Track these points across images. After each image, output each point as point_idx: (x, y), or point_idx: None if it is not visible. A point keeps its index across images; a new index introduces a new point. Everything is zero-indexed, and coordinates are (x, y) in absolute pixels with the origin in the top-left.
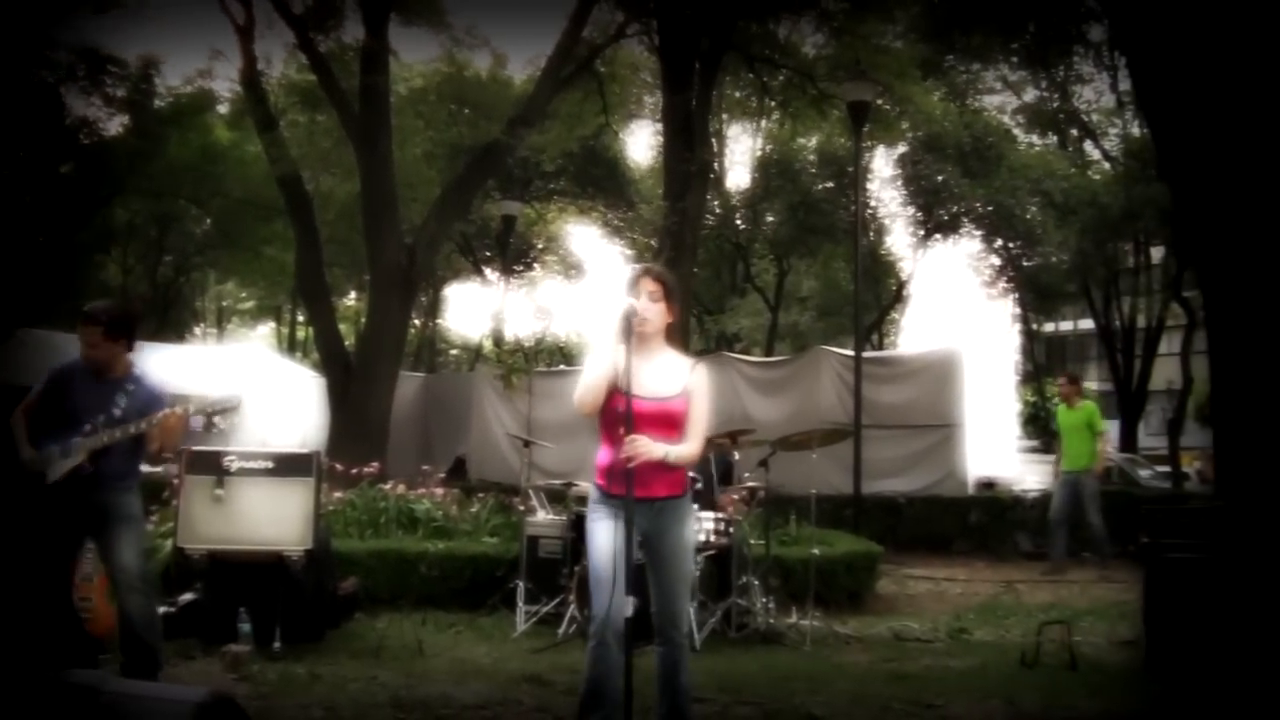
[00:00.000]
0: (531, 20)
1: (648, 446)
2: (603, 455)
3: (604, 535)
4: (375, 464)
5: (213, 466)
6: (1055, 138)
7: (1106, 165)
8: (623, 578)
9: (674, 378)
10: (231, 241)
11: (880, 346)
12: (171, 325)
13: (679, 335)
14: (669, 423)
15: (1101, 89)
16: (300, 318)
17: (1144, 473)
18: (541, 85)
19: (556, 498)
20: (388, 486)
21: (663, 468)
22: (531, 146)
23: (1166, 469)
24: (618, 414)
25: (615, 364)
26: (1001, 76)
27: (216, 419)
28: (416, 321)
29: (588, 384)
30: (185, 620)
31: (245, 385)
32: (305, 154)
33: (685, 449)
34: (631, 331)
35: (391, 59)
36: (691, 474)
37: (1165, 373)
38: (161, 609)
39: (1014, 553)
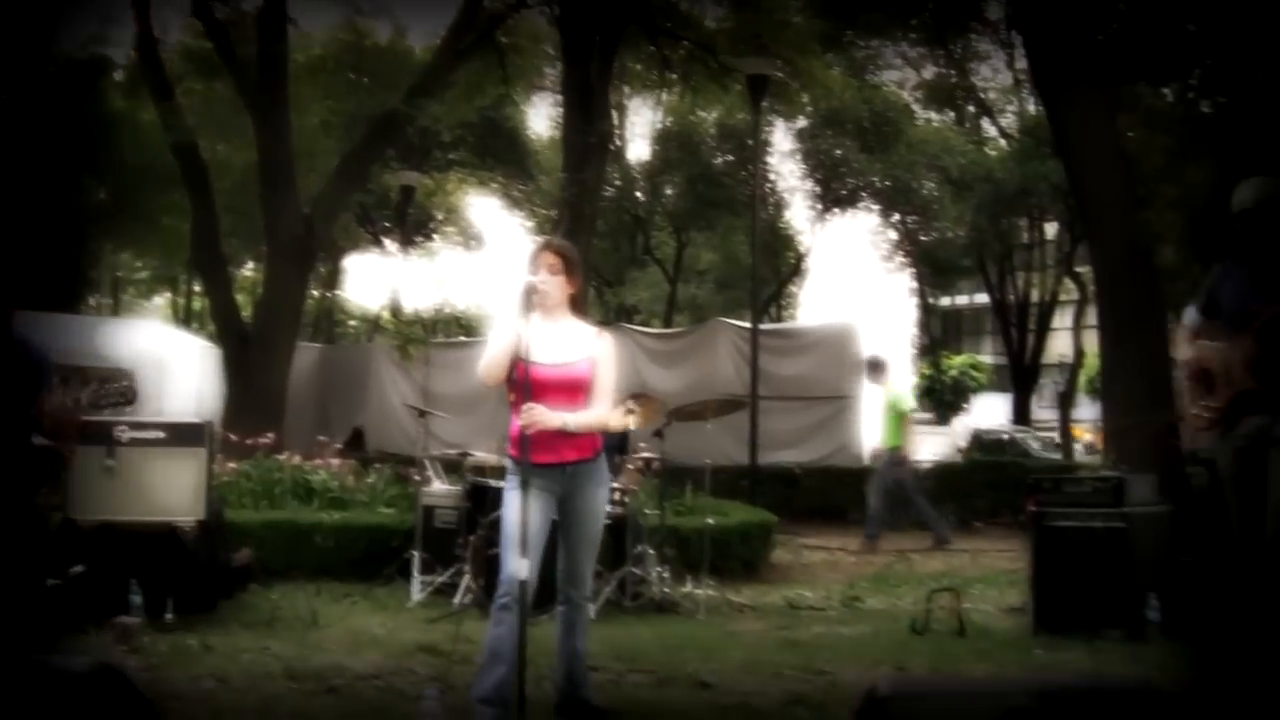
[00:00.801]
0: None
1: (544, 415)
2: (514, 424)
3: (512, 501)
4: (270, 435)
5: (103, 437)
6: (953, 114)
7: (1003, 142)
8: (524, 541)
9: (578, 345)
10: (127, 211)
11: (779, 319)
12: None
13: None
14: (573, 389)
15: (999, 67)
16: (197, 288)
17: (1036, 444)
18: (441, 55)
19: (452, 468)
20: (283, 457)
21: (568, 432)
22: (431, 116)
23: (1058, 441)
24: (523, 384)
25: (518, 334)
26: (901, 53)
27: (108, 411)
28: (315, 292)
29: (490, 355)
30: (74, 593)
31: (138, 357)
32: (202, 122)
33: (585, 415)
34: (532, 305)
35: (290, 27)
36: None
37: (1058, 347)
38: (50, 582)
39: (907, 522)
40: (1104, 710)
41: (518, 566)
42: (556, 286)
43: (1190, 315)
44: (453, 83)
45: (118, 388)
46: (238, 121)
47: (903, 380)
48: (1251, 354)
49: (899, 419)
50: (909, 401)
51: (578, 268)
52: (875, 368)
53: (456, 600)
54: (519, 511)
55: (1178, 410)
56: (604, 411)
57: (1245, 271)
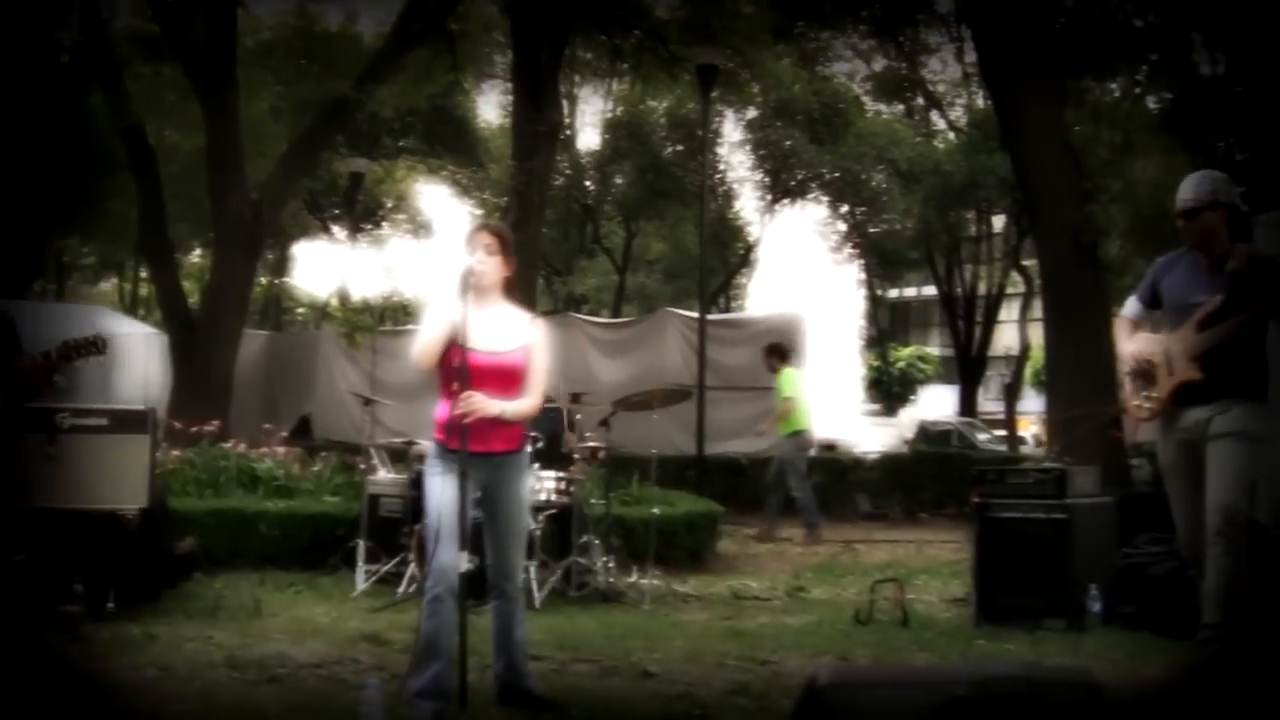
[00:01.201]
0: None
1: (482, 403)
2: (441, 410)
3: (440, 490)
4: (216, 422)
5: (45, 423)
6: (902, 107)
7: (951, 135)
8: (458, 532)
9: (513, 333)
10: (73, 195)
11: (728, 309)
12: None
13: (525, 295)
14: (507, 378)
15: (948, 60)
16: (144, 274)
17: (982, 436)
18: (391, 42)
19: (398, 456)
20: (229, 445)
21: (500, 422)
22: (380, 103)
23: (1004, 433)
24: (455, 369)
25: (453, 319)
26: (851, 45)
27: (78, 362)
28: (263, 279)
29: (425, 339)
30: (15, 582)
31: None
32: (149, 107)
33: (522, 404)
34: (469, 288)
35: (239, 11)
36: (532, 433)
37: (1005, 339)
38: None
39: (854, 513)
40: (1042, 700)
41: (452, 558)
42: (493, 268)
43: (1131, 306)
44: (402, 69)
45: (88, 338)
46: (186, 106)
47: (798, 369)
48: (1193, 345)
49: (783, 405)
50: (788, 389)
51: (513, 250)
52: (774, 353)
53: (401, 589)
54: (448, 501)
55: (1121, 402)
56: (537, 401)
57: (1187, 264)
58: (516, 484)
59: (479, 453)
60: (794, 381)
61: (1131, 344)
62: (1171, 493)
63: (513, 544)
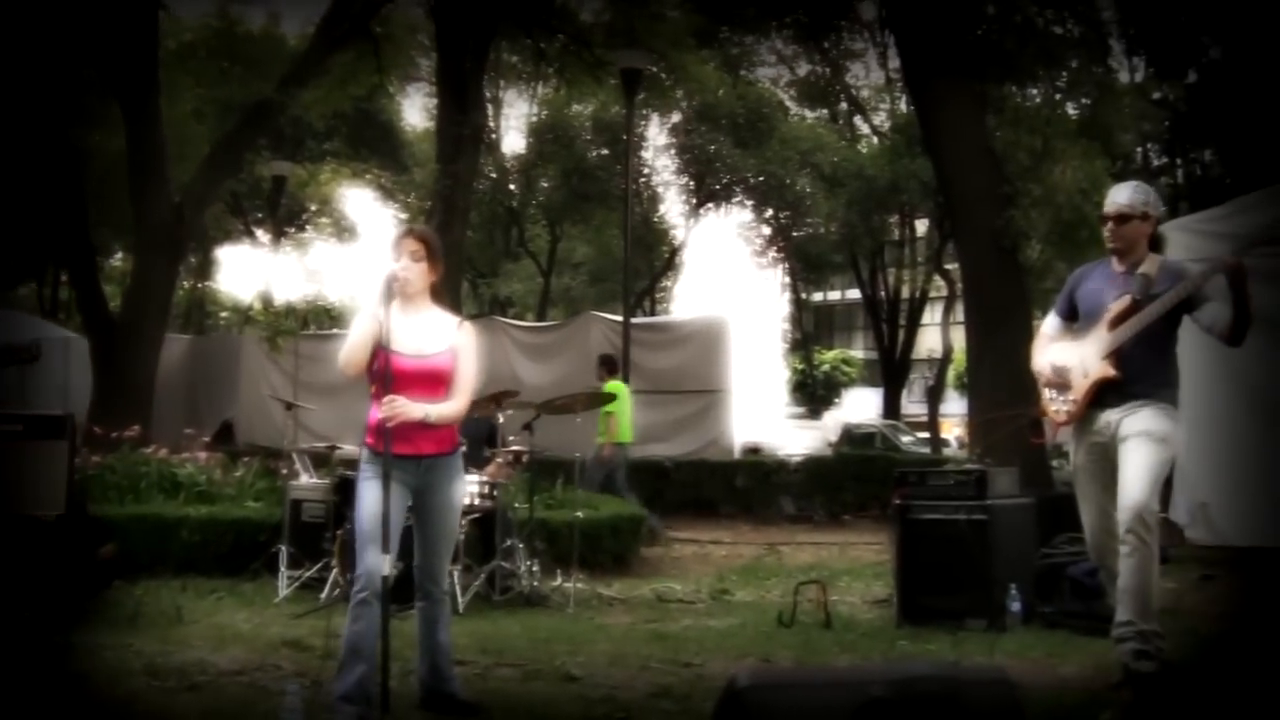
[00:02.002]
0: None
1: (405, 407)
2: (371, 414)
3: (370, 494)
4: (136, 427)
5: None
6: (826, 112)
7: (875, 140)
8: (385, 535)
9: (439, 336)
10: None
11: (652, 313)
12: None
13: (450, 298)
14: (434, 381)
15: (872, 65)
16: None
17: (906, 439)
18: (315, 44)
19: (321, 461)
20: (150, 450)
21: (429, 425)
22: (304, 106)
23: (927, 435)
24: (384, 374)
25: (378, 323)
26: (775, 50)
27: (11, 368)
28: (185, 283)
29: (350, 344)
30: None
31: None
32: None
33: (448, 407)
34: (393, 293)
35: (161, 12)
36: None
37: (928, 342)
38: None
39: (778, 516)
40: (959, 699)
41: (377, 561)
42: (418, 274)
43: (1050, 321)
44: (326, 72)
45: (22, 343)
46: (107, 108)
47: (617, 380)
48: (1106, 344)
49: (606, 416)
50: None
51: (440, 255)
52: (603, 364)
53: (324, 595)
54: (376, 504)
55: (1040, 406)
56: (465, 403)
57: (1101, 273)
58: (447, 487)
59: (408, 455)
60: (623, 394)
61: (1046, 356)
62: (1081, 495)
63: (441, 547)
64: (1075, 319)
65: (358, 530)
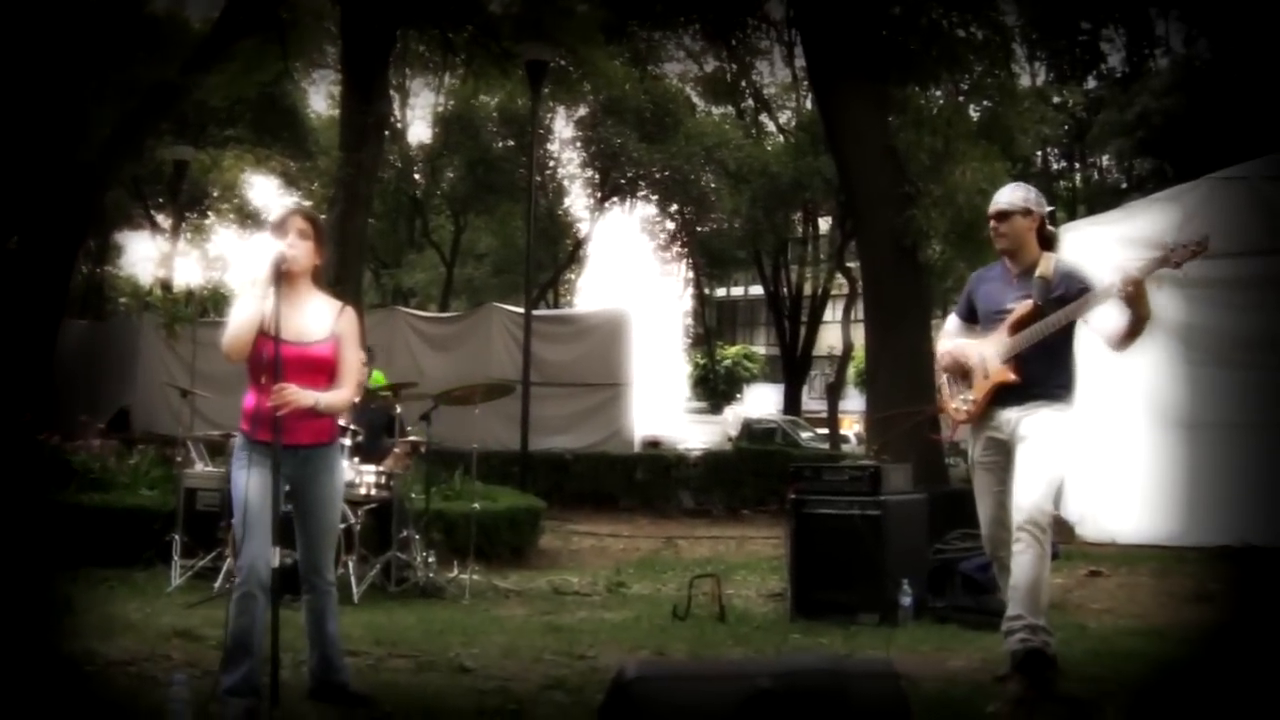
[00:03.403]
0: None
1: (296, 394)
2: (248, 400)
3: (246, 483)
4: (28, 414)
5: None
6: (732, 109)
7: (780, 137)
8: (268, 526)
9: (321, 323)
10: None
11: (556, 305)
12: None
13: (352, 287)
14: (317, 368)
15: (779, 63)
16: None
17: (805, 434)
18: (219, 28)
19: (216, 449)
20: (43, 437)
21: (309, 415)
22: (207, 90)
23: (827, 431)
24: (264, 360)
25: (262, 309)
26: (683, 45)
27: None
28: (83, 267)
29: (235, 330)
30: None
31: None
32: None
33: (336, 395)
34: (280, 275)
35: None
36: (351, 426)
37: (829, 339)
38: None
39: (677, 509)
40: (845, 691)
41: (260, 554)
42: (305, 252)
43: (951, 322)
44: (231, 57)
45: None
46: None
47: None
48: (1006, 348)
49: None
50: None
51: (325, 238)
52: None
53: (218, 585)
54: (255, 495)
55: (938, 403)
56: (351, 392)
57: (999, 274)
58: (324, 479)
59: (286, 445)
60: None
61: (947, 344)
62: (978, 488)
63: (323, 541)
64: (976, 321)
65: (236, 521)
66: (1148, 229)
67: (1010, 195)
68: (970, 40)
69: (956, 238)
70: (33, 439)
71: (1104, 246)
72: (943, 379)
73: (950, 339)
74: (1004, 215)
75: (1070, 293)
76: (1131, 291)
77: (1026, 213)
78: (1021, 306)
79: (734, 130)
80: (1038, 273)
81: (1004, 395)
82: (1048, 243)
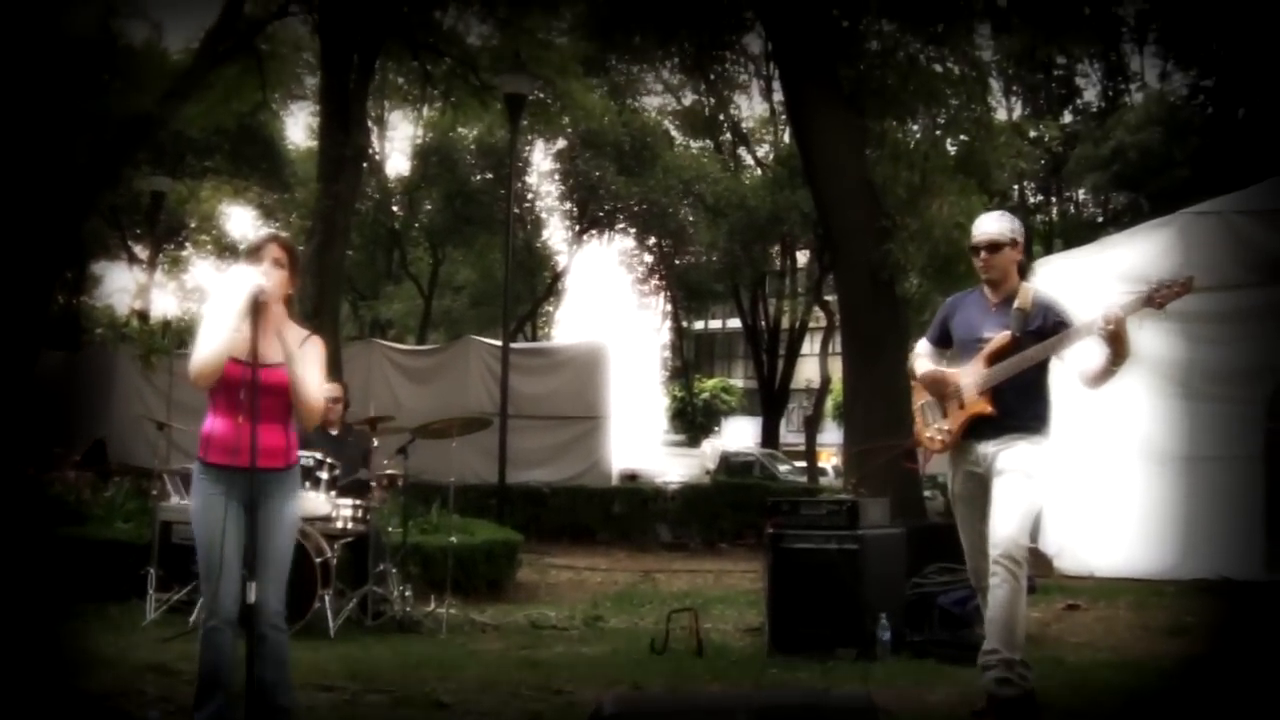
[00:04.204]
0: None
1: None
2: (207, 424)
3: (206, 514)
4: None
5: None
6: (710, 142)
7: (758, 170)
8: (235, 559)
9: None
10: None
11: (534, 338)
12: None
13: (330, 319)
14: (282, 393)
15: (756, 97)
16: None
17: (783, 468)
18: (198, 59)
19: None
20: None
21: (265, 439)
22: (185, 121)
23: (804, 464)
24: (228, 384)
25: (236, 339)
26: (662, 79)
27: None
28: (60, 297)
29: (206, 358)
30: None
31: None
32: None
33: (309, 374)
34: (257, 304)
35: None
36: (328, 460)
37: (806, 372)
38: None
39: (655, 543)
40: None
41: (228, 586)
42: (280, 281)
43: (922, 346)
44: (209, 87)
45: None
46: None
47: None
48: (982, 380)
49: None
50: None
51: (300, 267)
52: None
53: (192, 619)
54: (217, 526)
55: (915, 435)
56: (317, 389)
57: (975, 302)
58: (278, 504)
59: (241, 469)
60: None
61: (925, 366)
62: (960, 521)
63: (273, 569)
64: (948, 345)
65: (199, 552)
66: (1123, 263)
67: (1000, 225)
68: (947, 75)
69: (934, 271)
70: (15, 472)
71: (1080, 280)
72: (919, 404)
73: (926, 361)
74: (995, 246)
75: (1048, 325)
76: (1112, 330)
77: (1014, 244)
78: (999, 338)
79: (712, 164)
80: (1016, 304)
81: (980, 427)
82: (1023, 271)
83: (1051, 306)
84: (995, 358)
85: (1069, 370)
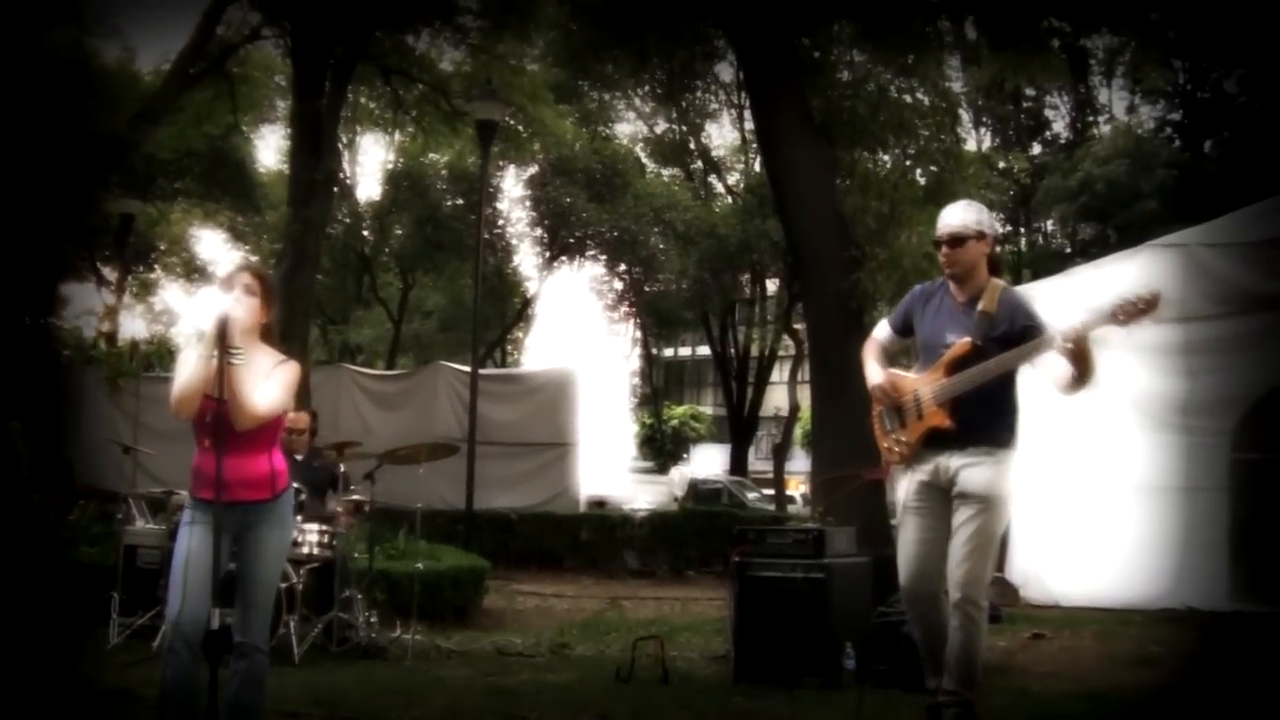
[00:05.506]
0: (164, 14)
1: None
2: (195, 459)
3: (185, 539)
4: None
5: None
6: (681, 170)
7: (728, 199)
8: (203, 584)
9: (262, 375)
10: None
11: (503, 364)
12: None
13: (299, 344)
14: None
15: (727, 125)
16: None
17: (752, 495)
18: (170, 81)
19: (157, 506)
20: None
21: (246, 471)
22: (156, 143)
23: (773, 492)
24: (202, 417)
25: (208, 368)
26: (633, 107)
27: None
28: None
29: (182, 389)
30: None
31: None
32: None
33: (274, 386)
34: (226, 334)
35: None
36: (295, 484)
37: (775, 400)
38: None
39: (622, 570)
40: None
41: (192, 609)
42: (251, 310)
43: (882, 328)
44: (180, 109)
45: None
46: None
47: None
48: (940, 391)
49: None
50: None
51: (274, 295)
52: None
53: (156, 644)
54: (193, 551)
55: (880, 468)
56: (273, 396)
57: (941, 299)
58: (265, 534)
59: (229, 503)
60: None
61: (881, 376)
62: (902, 529)
63: (256, 597)
64: (908, 335)
65: (171, 576)
66: (1090, 294)
67: (963, 216)
68: (917, 106)
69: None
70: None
71: (1048, 311)
72: (877, 411)
73: (877, 357)
74: (958, 240)
75: (1015, 330)
76: (1072, 348)
77: (980, 236)
78: (959, 345)
79: (683, 191)
80: (980, 306)
81: (939, 439)
82: (996, 267)
83: (1019, 308)
84: (955, 366)
85: (1040, 376)
